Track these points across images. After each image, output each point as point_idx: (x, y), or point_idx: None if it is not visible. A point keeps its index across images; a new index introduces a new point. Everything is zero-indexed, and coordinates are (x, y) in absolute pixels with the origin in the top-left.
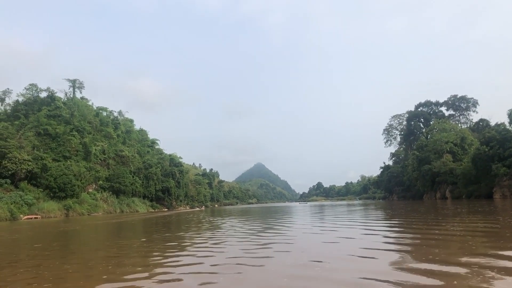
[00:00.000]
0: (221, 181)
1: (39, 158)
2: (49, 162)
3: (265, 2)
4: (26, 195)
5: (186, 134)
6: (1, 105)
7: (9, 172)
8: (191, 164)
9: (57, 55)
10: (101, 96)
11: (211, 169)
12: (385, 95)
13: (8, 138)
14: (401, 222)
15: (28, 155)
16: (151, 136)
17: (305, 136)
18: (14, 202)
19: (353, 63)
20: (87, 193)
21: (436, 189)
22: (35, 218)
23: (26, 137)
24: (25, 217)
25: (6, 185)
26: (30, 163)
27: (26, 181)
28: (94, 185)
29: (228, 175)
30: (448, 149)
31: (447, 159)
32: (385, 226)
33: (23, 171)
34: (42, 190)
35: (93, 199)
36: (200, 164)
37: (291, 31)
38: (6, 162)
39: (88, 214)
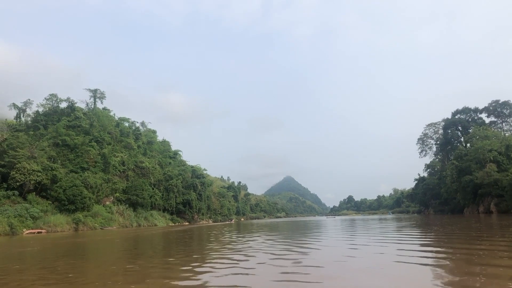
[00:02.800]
0: (248, 194)
1: (49, 168)
2: (59, 173)
3: (292, 15)
4: (33, 207)
5: (215, 147)
6: (22, 116)
7: (17, 183)
8: (219, 177)
9: (91, 71)
10: (133, 111)
11: (239, 182)
12: (418, 107)
13: (18, 147)
14: (471, 251)
15: (38, 165)
16: (176, 147)
17: (335, 149)
18: (19, 215)
19: (384, 74)
20: (103, 205)
21: (479, 202)
22: (39, 232)
23: (42, 148)
24: (28, 231)
25: (13, 197)
26: (39, 174)
27: (35, 193)
28: (112, 198)
29: (257, 188)
30: (492, 158)
31: (491, 169)
32: (453, 259)
33: (32, 182)
34: (51, 202)
35: (109, 212)
36: (228, 177)
37: (319, 43)
38: (14, 172)
39: (101, 228)
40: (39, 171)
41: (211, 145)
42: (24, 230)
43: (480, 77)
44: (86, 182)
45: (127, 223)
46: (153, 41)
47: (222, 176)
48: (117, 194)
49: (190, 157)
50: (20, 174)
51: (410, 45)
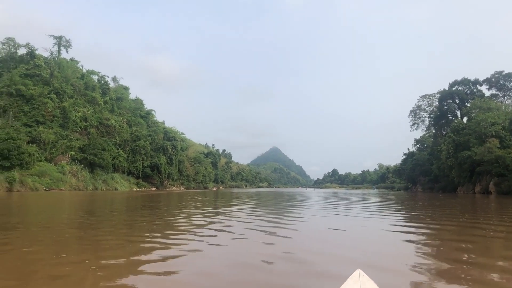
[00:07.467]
0: (229, 162)
1: None
2: None
3: None
4: None
5: (204, 115)
6: None
7: None
8: (204, 144)
9: (79, 30)
10: (120, 73)
11: (224, 150)
12: (410, 83)
13: None
14: None
15: None
16: (149, 107)
17: (323, 122)
18: None
19: (376, 48)
20: (55, 164)
21: (476, 181)
22: None
23: None
24: None
25: None
26: None
27: None
28: (68, 156)
29: (244, 159)
30: (494, 132)
31: (493, 145)
32: None
33: None
34: None
35: (60, 172)
36: (213, 145)
37: (313, 14)
38: None
39: (46, 190)
40: None
41: (200, 112)
42: None
43: (481, 53)
44: (39, 138)
45: (81, 185)
46: (144, 3)
47: (206, 143)
48: (72, 152)
49: (177, 123)
50: None
51: (406, 19)
